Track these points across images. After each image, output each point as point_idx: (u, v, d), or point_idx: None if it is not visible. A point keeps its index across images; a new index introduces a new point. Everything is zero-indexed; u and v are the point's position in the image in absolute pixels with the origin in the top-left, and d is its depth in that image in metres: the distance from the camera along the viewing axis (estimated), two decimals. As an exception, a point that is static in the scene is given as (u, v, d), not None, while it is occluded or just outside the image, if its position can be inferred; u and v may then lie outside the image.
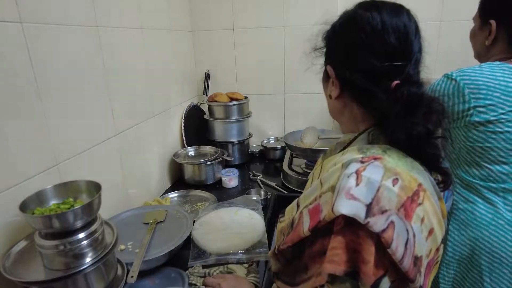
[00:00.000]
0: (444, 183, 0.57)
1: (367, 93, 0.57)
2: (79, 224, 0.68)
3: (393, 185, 0.48)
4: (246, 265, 0.93)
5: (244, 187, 1.47)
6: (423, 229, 0.49)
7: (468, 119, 0.87)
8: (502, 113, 0.83)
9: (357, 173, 0.49)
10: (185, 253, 0.98)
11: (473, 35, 1.02)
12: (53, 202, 0.75)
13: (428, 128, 0.51)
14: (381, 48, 0.55)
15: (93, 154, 0.99)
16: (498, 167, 0.88)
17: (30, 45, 0.76)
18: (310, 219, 0.52)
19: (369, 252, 0.45)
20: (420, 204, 0.49)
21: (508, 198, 0.89)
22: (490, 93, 0.84)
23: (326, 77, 0.66)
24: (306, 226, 0.52)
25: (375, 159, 0.50)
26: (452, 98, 0.88)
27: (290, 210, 0.64)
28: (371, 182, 0.47)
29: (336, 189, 0.49)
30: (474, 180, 0.93)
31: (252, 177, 1.56)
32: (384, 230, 0.45)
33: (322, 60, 0.68)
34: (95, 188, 0.77)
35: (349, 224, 0.47)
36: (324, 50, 0.66)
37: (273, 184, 1.48)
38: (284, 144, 1.72)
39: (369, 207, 0.46)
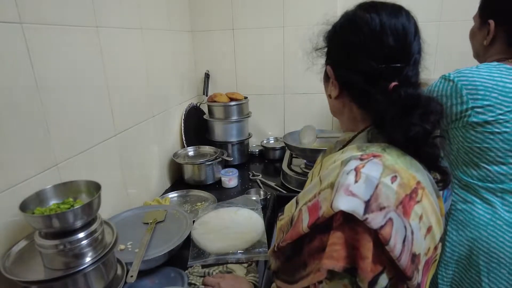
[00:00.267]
0: (443, 182, 0.58)
1: (365, 94, 0.57)
2: (79, 224, 0.69)
3: (392, 183, 0.48)
4: (246, 265, 0.93)
5: (244, 187, 1.47)
6: (421, 226, 0.50)
7: (466, 119, 0.87)
8: (500, 114, 0.84)
9: (356, 170, 0.49)
10: (184, 253, 0.98)
11: (472, 35, 1.02)
12: (53, 202, 0.75)
13: (425, 128, 0.52)
14: (379, 49, 0.55)
15: (93, 154, 1.00)
16: (496, 168, 0.88)
17: (30, 45, 0.77)
18: (309, 216, 0.53)
19: (367, 248, 0.46)
20: (418, 201, 0.50)
21: (506, 198, 0.89)
22: (488, 94, 0.84)
23: (326, 77, 0.66)
24: (305, 223, 0.53)
25: (374, 156, 0.51)
26: (450, 99, 0.88)
27: (289, 208, 0.64)
28: (369, 179, 0.48)
29: (335, 186, 0.50)
30: (472, 181, 0.93)
31: (251, 177, 1.56)
32: (382, 227, 0.45)
33: (322, 60, 0.68)
34: (95, 188, 0.77)
35: (347, 220, 0.47)
36: (325, 50, 0.67)
37: (272, 184, 1.48)
38: (283, 144, 1.72)
39: (367, 203, 0.46)
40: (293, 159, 1.66)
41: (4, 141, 0.71)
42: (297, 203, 0.61)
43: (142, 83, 1.29)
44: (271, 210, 1.25)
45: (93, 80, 1.00)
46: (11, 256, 0.71)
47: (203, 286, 0.84)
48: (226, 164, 1.59)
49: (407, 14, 0.58)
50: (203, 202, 1.32)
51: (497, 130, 0.85)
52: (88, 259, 0.70)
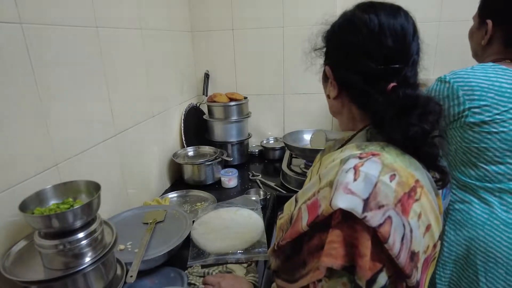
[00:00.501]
0: (442, 181, 0.58)
1: (364, 94, 0.57)
2: (78, 224, 0.69)
3: (390, 181, 0.48)
4: (245, 265, 0.93)
5: (244, 187, 1.47)
6: (420, 225, 0.50)
7: (464, 120, 0.88)
8: (497, 114, 0.84)
9: (355, 168, 0.49)
10: (184, 253, 0.98)
11: (471, 35, 1.02)
12: (52, 202, 0.75)
13: (424, 128, 0.52)
14: (378, 50, 0.55)
15: (93, 154, 1.00)
16: (494, 167, 0.88)
17: (29, 45, 0.77)
18: (309, 214, 0.53)
19: (366, 246, 0.46)
20: (417, 200, 0.50)
21: (504, 198, 0.89)
22: (484, 94, 0.84)
23: (325, 77, 0.66)
24: (304, 221, 0.53)
25: (373, 155, 0.51)
26: (447, 101, 0.89)
27: (289, 206, 0.64)
28: (368, 177, 0.48)
29: (334, 184, 0.50)
30: (470, 181, 0.93)
31: (251, 177, 1.56)
32: (381, 225, 0.46)
33: (321, 60, 0.68)
34: (94, 188, 0.77)
35: (346, 218, 0.47)
36: (324, 50, 0.67)
37: (272, 184, 1.48)
38: (283, 144, 1.72)
39: (366, 201, 0.46)
40: (293, 159, 1.66)
41: (4, 141, 0.71)
42: (296, 201, 0.61)
43: (142, 83, 1.29)
44: (271, 210, 1.25)
45: (93, 80, 1.00)
46: (11, 256, 0.71)
47: (203, 286, 0.84)
48: (225, 164, 1.59)
49: (406, 14, 0.58)
50: (202, 202, 1.32)
51: (494, 130, 0.85)
52: (87, 259, 0.70)
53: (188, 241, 1.01)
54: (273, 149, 1.79)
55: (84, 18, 0.95)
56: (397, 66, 0.55)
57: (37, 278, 0.66)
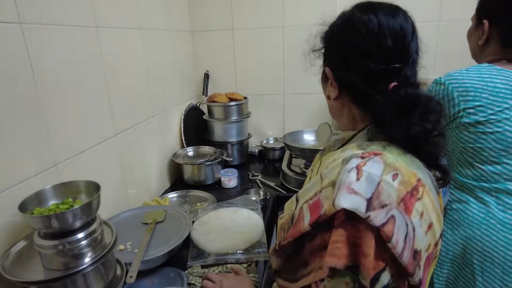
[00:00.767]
0: (443, 180, 0.58)
1: (364, 94, 0.57)
2: (78, 224, 0.69)
3: (393, 180, 0.49)
4: (245, 265, 0.93)
5: (243, 187, 1.47)
6: (422, 223, 0.50)
7: (459, 121, 0.88)
8: (491, 114, 0.84)
9: (358, 168, 0.49)
10: (184, 253, 0.98)
11: (469, 35, 1.03)
12: (52, 202, 0.75)
13: (426, 128, 0.52)
14: (377, 50, 0.55)
15: (92, 155, 0.99)
16: (490, 167, 0.89)
17: (29, 45, 0.77)
18: (311, 214, 0.53)
19: (369, 245, 0.46)
20: (419, 199, 0.50)
21: (500, 197, 0.89)
22: (478, 95, 0.85)
23: (325, 78, 0.66)
24: (306, 221, 0.53)
25: (375, 154, 0.51)
26: (443, 103, 0.89)
27: (289, 205, 0.64)
28: (371, 177, 0.48)
29: (336, 184, 0.50)
30: (467, 181, 0.93)
31: (251, 177, 1.56)
32: (384, 224, 0.46)
33: (321, 61, 0.68)
34: (94, 188, 0.77)
35: (349, 218, 0.47)
36: (323, 51, 0.66)
37: (272, 184, 1.48)
38: (283, 144, 1.72)
39: (369, 201, 0.47)
40: (293, 159, 1.66)
41: (3, 141, 0.71)
42: (297, 201, 0.61)
43: (141, 83, 1.29)
44: (271, 210, 1.25)
45: (93, 80, 1.00)
46: (10, 257, 0.71)
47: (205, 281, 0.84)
48: (225, 164, 1.59)
49: (404, 14, 0.58)
50: (202, 202, 1.32)
51: (489, 130, 0.86)
52: (87, 260, 0.70)
53: (188, 241, 1.00)
54: (273, 149, 1.79)
55: (84, 18, 0.95)
56: (397, 65, 0.55)
57: (36, 279, 0.66)
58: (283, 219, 0.64)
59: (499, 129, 0.85)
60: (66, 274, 0.67)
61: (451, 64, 1.61)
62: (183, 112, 1.67)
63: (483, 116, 0.85)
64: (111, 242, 0.75)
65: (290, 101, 1.85)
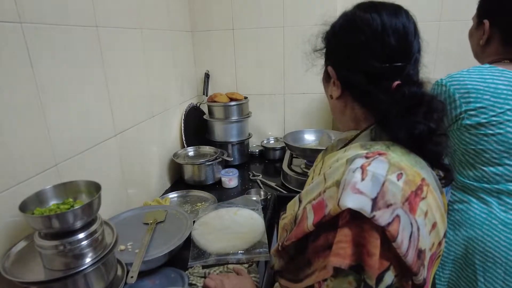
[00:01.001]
0: (446, 179, 0.59)
1: (368, 93, 0.57)
2: (79, 224, 0.68)
3: (398, 180, 0.49)
4: (246, 265, 0.93)
5: (244, 187, 1.47)
6: (426, 223, 0.50)
7: (460, 122, 0.88)
8: (493, 115, 0.84)
9: (362, 168, 0.49)
10: (185, 254, 0.98)
11: (470, 35, 1.02)
12: (52, 202, 0.75)
13: (429, 126, 0.53)
14: (381, 49, 0.56)
15: (93, 154, 0.99)
16: (492, 169, 0.88)
17: (29, 45, 0.76)
18: (314, 214, 0.53)
19: (374, 245, 0.46)
20: (423, 198, 0.50)
21: (502, 198, 0.89)
22: (479, 96, 0.85)
23: (327, 78, 0.66)
24: (310, 221, 0.53)
25: (380, 154, 0.51)
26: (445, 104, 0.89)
27: (292, 206, 0.64)
28: (376, 176, 0.48)
29: (341, 184, 0.50)
30: (468, 182, 0.93)
31: (252, 177, 1.56)
32: (389, 224, 0.46)
33: (322, 61, 0.68)
34: (95, 188, 0.77)
35: (354, 218, 0.47)
36: (324, 51, 0.66)
37: (273, 184, 1.48)
38: (283, 144, 1.72)
39: (374, 201, 0.47)
40: (293, 159, 1.66)
41: (3, 141, 0.71)
42: (300, 201, 0.61)
43: (142, 83, 1.28)
44: (272, 211, 1.24)
45: (93, 80, 0.99)
46: (11, 257, 0.71)
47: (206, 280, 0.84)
48: (226, 164, 1.58)
49: (407, 13, 0.58)
50: (203, 203, 1.32)
51: (490, 131, 0.85)
52: (88, 260, 0.69)
53: (188, 242, 1.00)
54: (274, 149, 1.79)
55: (84, 17, 0.95)
56: (400, 64, 0.55)
57: (37, 279, 0.66)
58: (285, 219, 0.64)
59: (501, 131, 0.84)
60: (67, 274, 0.66)
61: (451, 63, 1.62)
62: (184, 112, 1.67)
63: (485, 118, 0.85)
64: (112, 243, 0.75)
65: (291, 101, 1.84)
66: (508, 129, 0.84)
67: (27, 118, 0.77)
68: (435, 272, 0.59)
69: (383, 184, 0.48)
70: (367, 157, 0.51)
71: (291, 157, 1.67)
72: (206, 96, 1.78)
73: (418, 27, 0.59)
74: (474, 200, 0.93)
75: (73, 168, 0.91)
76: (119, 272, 0.81)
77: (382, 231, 0.46)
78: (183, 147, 1.66)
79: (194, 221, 1.11)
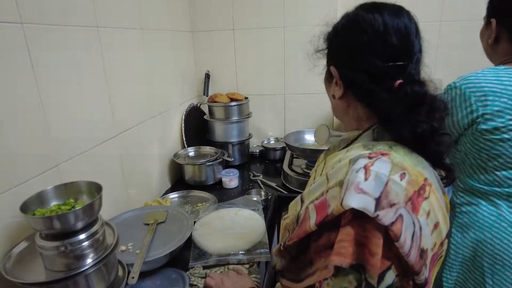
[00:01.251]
0: (448, 178, 0.59)
1: (370, 92, 0.58)
2: (80, 225, 0.68)
3: (401, 180, 0.49)
4: (247, 266, 0.93)
5: (245, 187, 1.47)
6: (428, 222, 0.50)
7: (476, 127, 0.85)
8: (510, 119, 0.81)
9: (366, 168, 0.50)
10: (185, 254, 0.98)
11: (481, 35, 1.00)
12: (53, 203, 0.75)
13: (432, 126, 0.53)
14: (383, 49, 0.56)
15: (93, 155, 0.99)
16: (504, 173, 0.86)
17: (30, 45, 0.76)
18: (317, 214, 0.53)
19: (377, 245, 0.46)
20: (426, 198, 0.50)
21: None
22: (497, 99, 0.81)
23: (328, 78, 0.66)
24: (312, 221, 0.53)
25: (383, 154, 0.52)
26: (460, 110, 0.85)
27: (294, 206, 0.64)
28: (379, 176, 0.48)
29: (344, 184, 0.50)
30: (479, 185, 0.91)
31: (252, 178, 1.56)
32: (393, 223, 0.46)
33: (323, 61, 0.68)
34: (96, 189, 0.77)
35: (356, 217, 0.48)
36: (326, 51, 0.67)
37: (273, 184, 1.48)
38: (284, 145, 1.72)
39: (378, 200, 0.47)
40: (294, 159, 1.66)
41: (4, 141, 0.71)
42: (302, 201, 0.61)
43: (142, 84, 1.28)
44: (272, 211, 1.24)
45: (94, 80, 0.99)
46: (12, 258, 0.71)
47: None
48: (226, 165, 1.58)
49: (408, 14, 0.59)
50: (204, 203, 1.31)
51: (507, 136, 0.82)
52: (89, 261, 0.69)
53: (189, 242, 1.00)
54: (274, 149, 1.79)
55: (85, 18, 0.95)
56: (402, 63, 0.56)
57: (38, 280, 0.66)
58: (287, 219, 0.64)
59: None
60: (68, 275, 0.66)
61: (452, 63, 1.62)
62: (184, 112, 1.67)
63: (502, 122, 0.82)
64: (113, 243, 0.75)
65: (291, 101, 1.84)
66: None
67: (28, 118, 0.77)
68: (437, 272, 0.59)
69: (386, 184, 0.48)
70: (370, 157, 0.51)
71: (292, 157, 1.67)
72: (207, 96, 1.78)
73: (419, 28, 0.59)
74: (483, 202, 0.91)
75: (74, 169, 0.91)
76: (120, 272, 0.81)
77: (385, 230, 0.46)
78: (183, 147, 1.66)
79: (194, 222, 1.11)
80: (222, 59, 1.82)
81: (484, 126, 0.84)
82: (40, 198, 0.73)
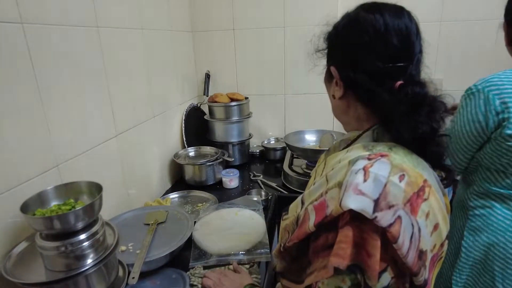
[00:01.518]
0: (447, 180, 0.59)
1: (370, 93, 0.57)
2: (80, 225, 0.68)
3: (400, 181, 0.49)
4: (247, 266, 0.93)
5: (245, 187, 1.47)
6: (428, 224, 0.50)
7: (500, 131, 0.81)
8: None
9: (365, 169, 0.49)
10: (186, 254, 0.98)
11: (505, 37, 0.97)
12: (54, 203, 0.75)
13: (432, 127, 0.53)
14: (384, 49, 0.56)
15: (94, 155, 0.99)
16: None
17: (30, 45, 0.76)
18: (316, 214, 0.53)
19: (375, 246, 0.46)
20: (425, 199, 0.50)
21: None
22: None
23: (329, 78, 0.66)
24: (311, 221, 0.53)
25: (382, 156, 0.52)
26: (484, 116, 0.82)
27: (294, 208, 0.64)
28: (378, 178, 0.48)
29: (343, 185, 0.50)
30: (496, 188, 0.89)
31: (252, 178, 1.56)
32: (391, 225, 0.46)
33: (324, 61, 0.68)
34: (96, 189, 0.77)
35: (354, 219, 0.48)
36: (326, 51, 0.66)
37: (273, 184, 1.47)
38: (284, 145, 1.72)
39: (376, 202, 0.47)
40: (294, 159, 1.66)
41: (4, 141, 0.71)
42: (302, 203, 0.61)
43: (142, 84, 1.28)
44: (272, 211, 1.24)
45: (94, 80, 0.99)
46: (12, 258, 0.71)
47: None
48: (227, 165, 1.58)
49: (409, 14, 0.59)
50: (204, 203, 1.31)
51: None
52: (89, 261, 0.69)
53: (189, 242, 1.00)
54: (274, 149, 1.79)
55: (85, 18, 0.95)
56: (403, 64, 0.56)
57: (38, 280, 0.66)
58: (287, 220, 0.64)
59: None
60: (68, 275, 0.66)
61: (452, 63, 1.62)
62: (184, 112, 1.67)
63: None
64: (113, 243, 0.75)
65: (291, 101, 1.84)
66: None
67: (28, 118, 0.77)
68: (437, 273, 0.59)
69: (385, 186, 0.48)
70: (369, 159, 0.51)
71: (292, 157, 1.67)
72: (207, 96, 1.78)
73: (420, 28, 0.59)
74: (498, 205, 0.90)
75: (74, 169, 0.91)
76: (120, 273, 0.81)
77: (383, 232, 0.46)
78: (183, 147, 1.66)
79: (195, 222, 1.11)
80: (222, 59, 1.82)
81: (508, 131, 0.80)
82: (40, 198, 0.73)
